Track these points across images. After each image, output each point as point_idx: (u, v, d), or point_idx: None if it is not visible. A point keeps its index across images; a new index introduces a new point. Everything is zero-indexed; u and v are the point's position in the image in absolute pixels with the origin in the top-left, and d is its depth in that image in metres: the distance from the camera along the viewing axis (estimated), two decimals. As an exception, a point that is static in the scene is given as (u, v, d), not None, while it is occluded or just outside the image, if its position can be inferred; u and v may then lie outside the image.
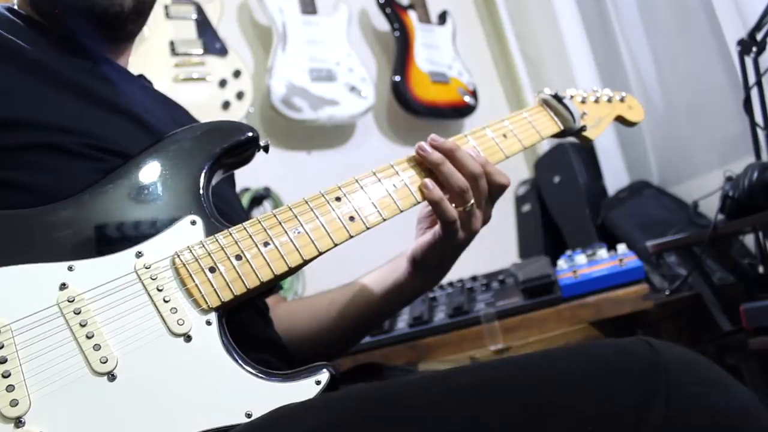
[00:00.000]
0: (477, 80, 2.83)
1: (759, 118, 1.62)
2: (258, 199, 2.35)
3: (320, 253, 0.86)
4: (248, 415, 0.72)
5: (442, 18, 2.85)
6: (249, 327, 0.94)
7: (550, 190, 2.38)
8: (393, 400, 0.66)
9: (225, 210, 0.92)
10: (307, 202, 0.88)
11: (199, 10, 2.34)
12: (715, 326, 1.62)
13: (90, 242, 0.77)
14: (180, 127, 0.98)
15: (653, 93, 2.39)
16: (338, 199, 0.89)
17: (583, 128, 1.13)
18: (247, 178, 2.32)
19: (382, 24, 2.79)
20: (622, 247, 1.81)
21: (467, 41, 2.95)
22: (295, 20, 2.49)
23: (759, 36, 1.61)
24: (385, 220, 0.91)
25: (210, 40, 2.32)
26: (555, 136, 1.13)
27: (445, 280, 2.07)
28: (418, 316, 1.81)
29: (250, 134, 0.90)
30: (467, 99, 2.76)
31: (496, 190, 0.99)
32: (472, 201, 0.96)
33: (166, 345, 0.74)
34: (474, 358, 1.73)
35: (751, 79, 1.63)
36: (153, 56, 2.21)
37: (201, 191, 0.84)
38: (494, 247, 2.66)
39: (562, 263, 1.84)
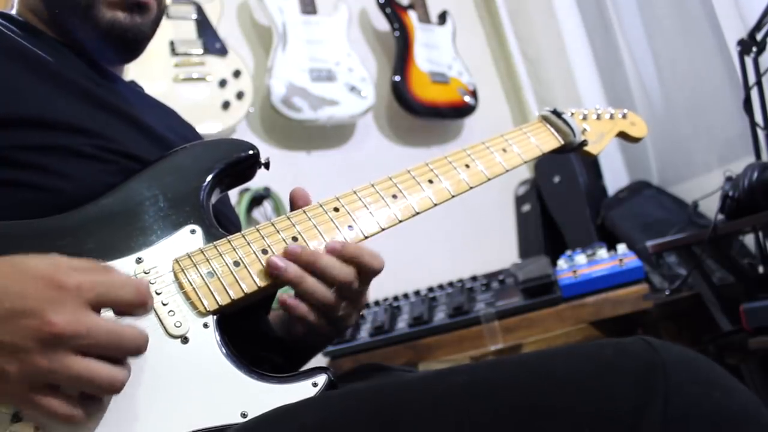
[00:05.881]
0: (477, 80, 2.83)
1: (759, 118, 1.63)
2: (258, 199, 2.35)
3: None
4: (243, 415, 0.73)
5: (442, 18, 2.85)
6: (254, 326, 0.94)
7: (550, 190, 2.38)
8: (389, 400, 0.66)
9: (224, 222, 0.93)
10: (305, 212, 0.89)
11: (199, 10, 2.34)
12: (715, 326, 1.62)
13: (92, 249, 0.78)
14: (172, 131, 1.00)
15: (653, 93, 2.39)
16: (336, 209, 0.90)
17: (584, 143, 1.14)
18: (246, 178, 2.32)
19: (382, 24, 2.79)
20: (622, 247, 1.81)
21: (467, 41, 2.95)
22: (295, 20, 2.49)
23: (759, 36, 1.61)
24: (383, 229, 0.91)
25: (210, 40, 2.32)
26: (557, 151, 1.14)
27: (445, 280, 2.09)
28: (418, 316, 1.81)
29: (251, 152, 0.91)
30: (467, 99, 2.76)
31: (371, 275, 0.87)
32: (341, 313, 0.87)
33: (163, 346, 0.74)
34: (474, 358, 1.73)
35: (751, 79, 1.63)
36: (153, 56, 2.21)
37: (202, 203, 0.86)
38: (494, 247, 2.66)
39: (562, 263, 1.84)
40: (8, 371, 0.62)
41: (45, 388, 0.63)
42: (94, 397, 0.67)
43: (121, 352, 0.66)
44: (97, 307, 0.65)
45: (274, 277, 0.82)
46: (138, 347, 0.67)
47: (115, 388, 0.65)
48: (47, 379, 0.62)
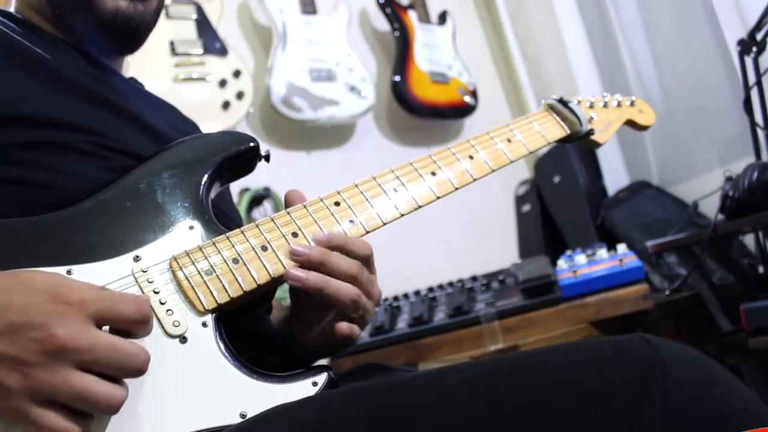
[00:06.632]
0: (477, 80, 2.83)
1: (759, 118, 1.62)
2: (258, 199, 2.35)
3: None
4: (243, 416, 0.72)
5: (442, 18, 2.85)
6: (254, 325, 0.94)
7: (550, 190, 2.38)
8: (389, 398, 0.65)
9: (224, 219, 0.92)
10: (305, 207, 0.87)
11: (199, 10, 2.34)
12: (715, 326, 1.62)
13: (90, 247, 0.77)
14: (173, 128, 0.99)
15: (653, 93, 2.39)
16: (337, 203, 0.89)
17: (591, 132, 1.11)
18: (246, 178, 2.31)
19: (382, 24, 2.79)
20: (622, 247, 1.81)
21: (467, 41, 2.95)
22: (295, 20, 2.49)
23: (759, 36, 1.61)
24: (384, 224, 0.90)
25: (210, 40, 2.33)
26: (563, 140, 1.11)
27: (445, 280, 2.09)
28: (418, 316, 1.81)
29: (251, 144, 0.90)
30: (467, 99, 2.76)
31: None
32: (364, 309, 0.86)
33: (161, 346, 0.73)
34: (474, 358, 1.73)
35: (751, 79, 1.63)
36: (153, 56, 2.21)
37: (200, 198, 0.84)
38: (494, 247, 2.66)
39: (562, 263, 1.84)
40: (9, 385, 0.61)
41: (45, 403, 0.62)
42: (92, 416, 0.66)
43: (122, 368, 0.65)
44: (99, 323, 0.65)
45: (298, 288, 0.81)
46: (139, 365, 0.66)
47: (113, 407, 0.64)
48: (47, 393, 0.62)
